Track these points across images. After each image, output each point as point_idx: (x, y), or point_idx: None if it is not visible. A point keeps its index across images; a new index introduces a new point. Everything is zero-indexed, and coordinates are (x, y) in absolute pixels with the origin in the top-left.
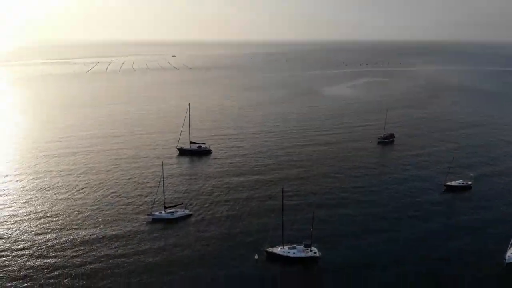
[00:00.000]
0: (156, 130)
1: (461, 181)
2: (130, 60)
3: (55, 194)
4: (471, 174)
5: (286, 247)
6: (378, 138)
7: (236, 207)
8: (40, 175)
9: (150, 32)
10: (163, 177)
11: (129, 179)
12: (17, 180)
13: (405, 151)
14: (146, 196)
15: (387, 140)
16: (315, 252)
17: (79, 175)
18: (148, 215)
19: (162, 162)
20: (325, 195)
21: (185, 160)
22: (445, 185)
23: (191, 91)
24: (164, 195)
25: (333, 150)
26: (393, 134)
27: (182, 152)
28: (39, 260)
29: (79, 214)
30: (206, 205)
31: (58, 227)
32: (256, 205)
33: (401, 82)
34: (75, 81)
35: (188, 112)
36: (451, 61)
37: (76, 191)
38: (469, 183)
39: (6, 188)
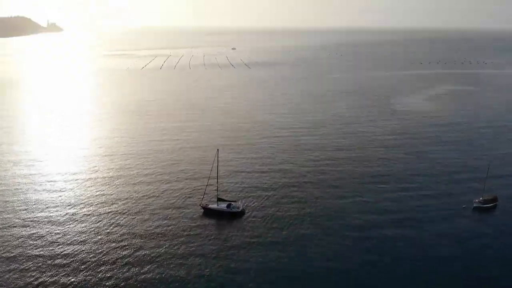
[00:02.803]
0: (182, 174)
1: None
2: (189, 54)
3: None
4: None
5: None
6: (475, 202)
7: None
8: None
9: (232, 18)
10: None
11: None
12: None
13: None
14: None
15: (487, 206)
16: None
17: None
18: None
19: None
20: None
21: (208, 225)
22: None
23: (238, 103)
24: None
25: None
26: (496, 197)
27: (207, 211)
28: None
29: None
30: None
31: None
32: None
33: (493, 94)
34: (123, 81)
35: (216, 159)
36: None
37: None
38: None
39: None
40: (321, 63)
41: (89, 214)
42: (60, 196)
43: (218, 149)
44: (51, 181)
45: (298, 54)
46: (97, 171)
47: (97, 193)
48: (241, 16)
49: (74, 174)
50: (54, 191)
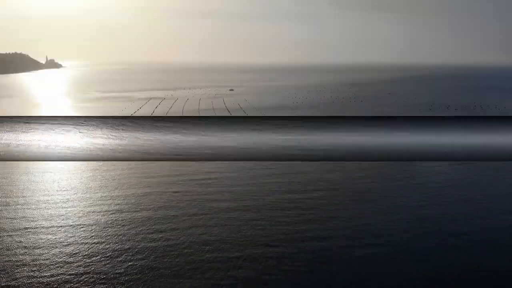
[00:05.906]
0: None
1: None
2: (185, 97)
3: None
4: None
5: None
6: None
7: None
8: None
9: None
10: None
11: None
12: None
13: None
14: None
15: None
16: None
17: None
18: None
19: None
20: None
21: None
22: None
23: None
24: None
25: None
26: None
27: None
28: None
29: None
30: None
31: None
32: None
33: None
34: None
35: None
36: None
37: None
38: None
39: None
40: (325, 109)
41: None
42: None
43: None
44: None
45: (299, 96)
46: None
47: None
48: (241, 52)
49: None
50: None
